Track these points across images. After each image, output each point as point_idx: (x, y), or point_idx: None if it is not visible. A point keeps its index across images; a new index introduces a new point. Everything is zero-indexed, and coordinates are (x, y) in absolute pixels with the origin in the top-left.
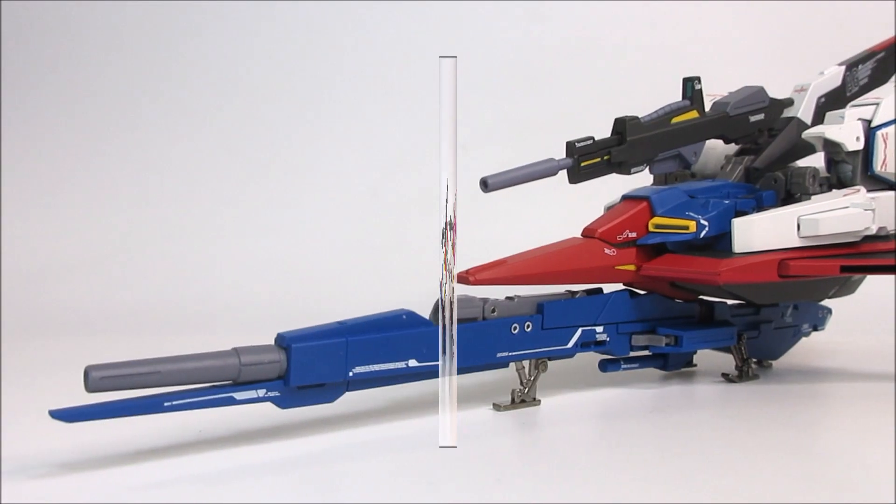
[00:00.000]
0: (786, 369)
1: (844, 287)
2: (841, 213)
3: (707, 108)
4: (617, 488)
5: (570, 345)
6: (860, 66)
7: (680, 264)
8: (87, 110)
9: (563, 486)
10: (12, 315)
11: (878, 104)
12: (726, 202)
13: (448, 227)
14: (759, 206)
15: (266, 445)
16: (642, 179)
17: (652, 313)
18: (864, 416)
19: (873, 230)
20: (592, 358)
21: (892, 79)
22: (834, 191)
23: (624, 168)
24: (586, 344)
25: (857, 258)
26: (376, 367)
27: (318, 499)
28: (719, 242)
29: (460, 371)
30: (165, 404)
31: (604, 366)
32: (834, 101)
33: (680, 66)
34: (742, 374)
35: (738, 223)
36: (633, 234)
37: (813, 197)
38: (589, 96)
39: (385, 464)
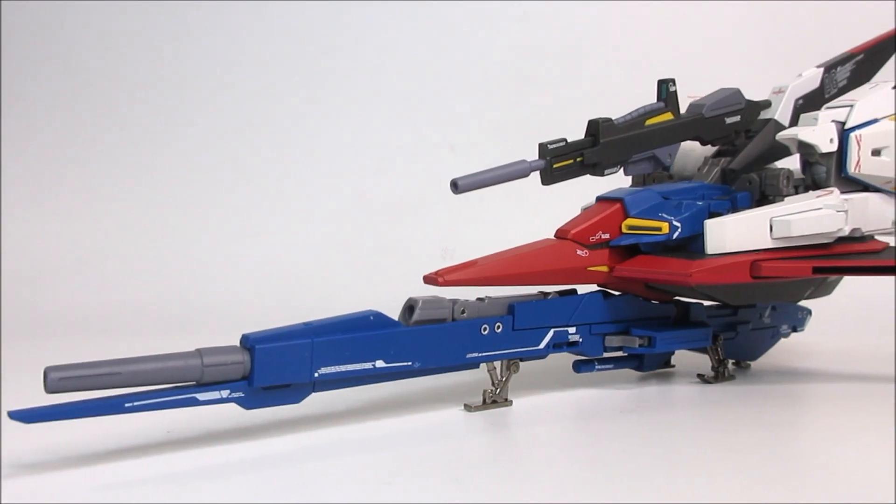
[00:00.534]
0: (764, 370)
1: (821, 288)
2: (813, 215)
3: (684, 110)
4: (578, 488)
5: (542, 346)
6: (839, 68)
7: (652, 265)
8: (76, 112)
9: (523, 485)
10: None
11: (852, 106)
12: (700, 203)
13: None
14: (734, 208)
15: (233, 446)
16: (623, 181)
17: (626, 314)
18: (838, 416)
19: (846, 231)
20: (569, 359)
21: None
22: (807, 192)
23: (597, 169)
24: (559, 345)
25: (829, 259)
26: (342, 368)
27: (280, 499)
28: (693, 244)
29: (430, 372)
30: (126, 405)
31: (577, 366)
32: (812, 102)
33: (667, 67)
34: (718, 375)
35: (710, 224)
36: (607, 236)
37: (786, 198)
38: (578, 97)
39: (348, 464)
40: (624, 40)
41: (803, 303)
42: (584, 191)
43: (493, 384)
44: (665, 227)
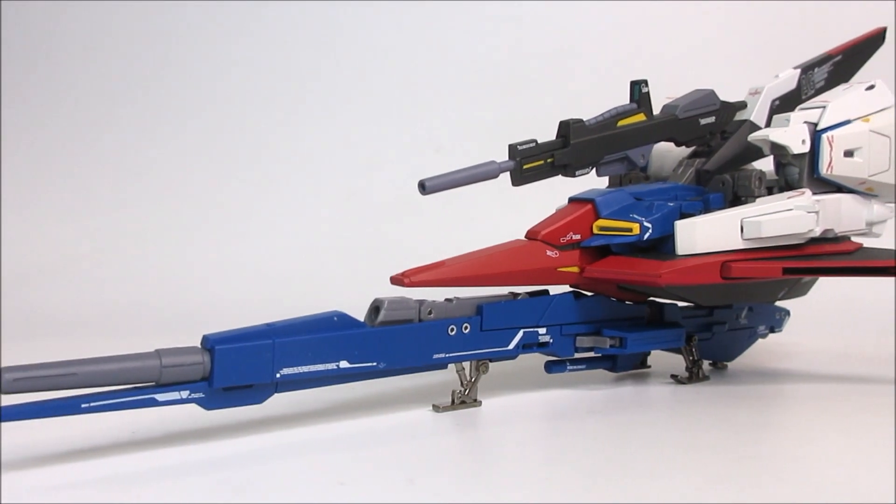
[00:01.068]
0: (741, 371)
1: (795, 289)
2: (784, 216)
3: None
4: (534, 488)
5: (512, 346)
6: (816, 70)
7: (622, 266)
8: (67, 114)
9: (477, 485)
10: None
11: (824, 107)
12: (671, 204)
13: None
14: (707, 209)
15: (196, 446)
16: (598, 182)
17: (598, 315)
18: (809, 417)
19: (817, 232)
20: (543, 359)
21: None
22: (779, 193)
23: (569, 170)
24: (528, 345)
25: (800, 260)
26: (305, 369)
27: (228, 499)
28: (664, 245)
29: (396, 372)
30: (83, 406)
31: (549, 367)
32: (789, 104)
33: (654, 69)
34: (692, 376)
35: (680, 225)
36: (578, 237)
37: (758, 199)
38: (566, 99)
39: (306, 464)
40: (612, 42)
41: (782, 303)
42: (571, 191)
43: (462, 385)
44: (636, 227)
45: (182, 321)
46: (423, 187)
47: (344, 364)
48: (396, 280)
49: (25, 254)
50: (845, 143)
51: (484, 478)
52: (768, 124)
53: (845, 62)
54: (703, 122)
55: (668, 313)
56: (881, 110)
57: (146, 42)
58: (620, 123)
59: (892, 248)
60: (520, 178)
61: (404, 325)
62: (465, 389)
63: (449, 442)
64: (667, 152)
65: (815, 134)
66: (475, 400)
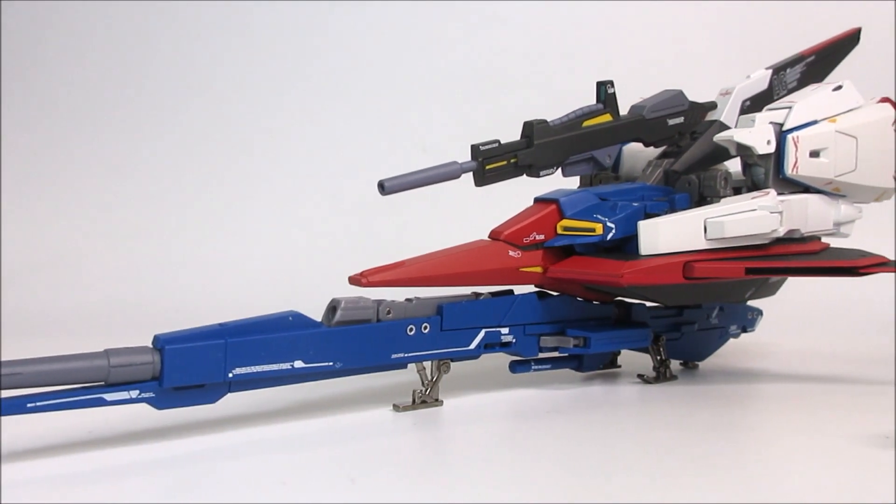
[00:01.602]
0: (712, 371)
1: (763, 289)
2: (747, 216)
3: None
4: (477, 486)
5: (473, 346)
6: (788, 70)
7: (584, 266)
8: (46, 115)
9: (420, 484)
10: None
11: (790, 108)
12: (635, 205)
13: None
14: (672, 209)
15: (143, 446)
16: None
17: (563, 315)
18: (774, 417)
19: (780, 233)
20: (510, 360)
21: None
22: (744, 193)
23: (533, 171)
24: (491, 345)
25: (763, 260)
26: (259, 369)
27: (171, 499)
28: (629, 245)
29: (354, 372)
30: (29, 405)
31: (513, 367)
32: (760, 104)
33: (638, 68)
34: (659, 376)
35: (643, 225)
36: (542, 237)
37: (722, 199)
38: (552, 99)
39: (255, 464)
40: (597, 41)
41: (756, 303)
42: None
43: (422, 384)
44: (599, 228)
45: (172, 320)
46: (383, 188)
47: (299, 364)
48: (354, 280)
49: (11, 253)
50: (811, 144)
51: (431, 477)
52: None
53: (819, 63)
54: (671, 122)
55: (635, 313)
56: (848, 111)
57: (131, 43)
58: (586, 124)
59: (861, 249)
60: (482, 178)
61: (361, 325)
62: (427, 389)
63: (404, 441)
64: (639, 153)
65: (781, 134)
66: (437, 399)
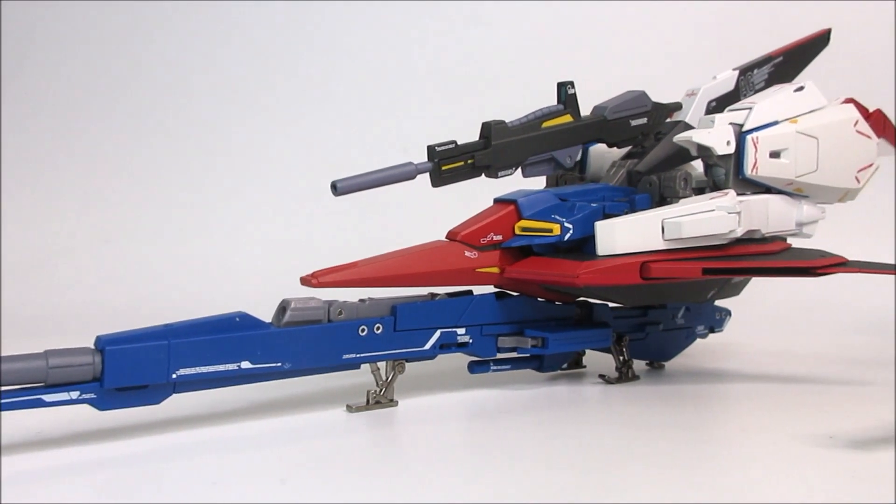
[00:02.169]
0: (678, 371)
1: (726, 289)
2: (705, 216)
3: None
4: (413, 486)
5: (428, 346)
6: (756, 71)
7: (541, 267)
8: (31, 115)
9: (351, 485)
10: None
11: (751, 108)
12: (594, 205)
13: None
14: (633, 210)
15: (84, 447)
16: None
17: (522, 315)
18: (731, 417)
19: (739, 233)
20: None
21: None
22: (703, 194)
23: (491, 171)
24: (447, 346)
25: (720, 261)
26: (204, 369)
27: (112, 499)
28: (587, 245)
29: (304, 373)
30: None
31: (472, 367)
32: (726, 105)
33: (621, 68)
34: (621, 376)
35: (600, 226)
36: (500, 237)
37: (681, 200)
38: (533, 98)
39: (192, 466)
40: (579, 41)
41: (723, 303)
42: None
43: (377, 384)
44: (556, 228)
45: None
46: (335, 188)
47: (246, 364)
48: (305, 281)
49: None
50: (771, 144)
51: (367, 477)
52: None
53: (787, 63)
54: (633, 123)
55: (597, 314)
56: (810, 112)
57: (122, 46)
58: (546, 124)
59: (821, 248)
60: (438, 179)
61: (311, 326)
62: (381, 389)
63: (352, 441)
64: (605, 153)
65: (741, 135)
66: (391, 400)
